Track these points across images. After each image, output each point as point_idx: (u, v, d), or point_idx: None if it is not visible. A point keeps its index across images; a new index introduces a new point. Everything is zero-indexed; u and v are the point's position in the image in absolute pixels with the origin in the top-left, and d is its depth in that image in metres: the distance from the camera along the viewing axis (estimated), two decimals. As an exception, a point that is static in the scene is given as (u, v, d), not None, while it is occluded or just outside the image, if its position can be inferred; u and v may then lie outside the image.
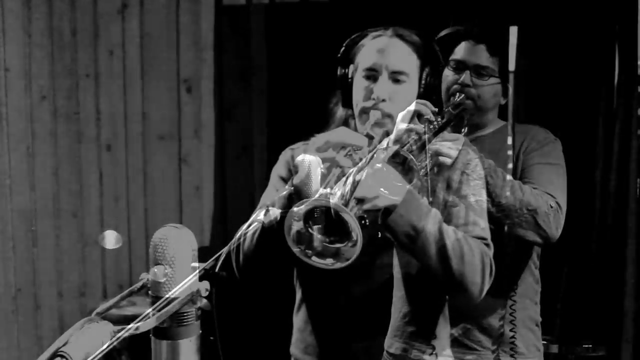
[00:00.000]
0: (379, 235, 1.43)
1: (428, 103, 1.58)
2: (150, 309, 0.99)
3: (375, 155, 1.40)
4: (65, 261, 3.72)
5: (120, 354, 0.96)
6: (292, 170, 1.63)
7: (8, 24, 3.67)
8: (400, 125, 1.50)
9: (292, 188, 1.42)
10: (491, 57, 2.04)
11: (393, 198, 1.36)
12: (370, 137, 1.49)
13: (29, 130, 3.70)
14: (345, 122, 1.69)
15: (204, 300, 1.03)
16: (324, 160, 1.39)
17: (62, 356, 0.88)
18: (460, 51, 2.07)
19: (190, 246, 1.03)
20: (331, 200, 1.23)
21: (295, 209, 1.23)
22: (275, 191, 1.61)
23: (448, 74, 2.05)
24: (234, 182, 3.47)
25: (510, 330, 1.91)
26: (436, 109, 1.60)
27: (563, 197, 1.94)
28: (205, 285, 1.03)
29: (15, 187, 3.73)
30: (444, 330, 1.63)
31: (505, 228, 1.88)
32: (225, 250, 1.10)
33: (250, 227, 1.39)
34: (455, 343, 1.78)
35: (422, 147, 1.50)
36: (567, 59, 2.78)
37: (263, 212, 1.32)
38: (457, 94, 2.01)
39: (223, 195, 3.48)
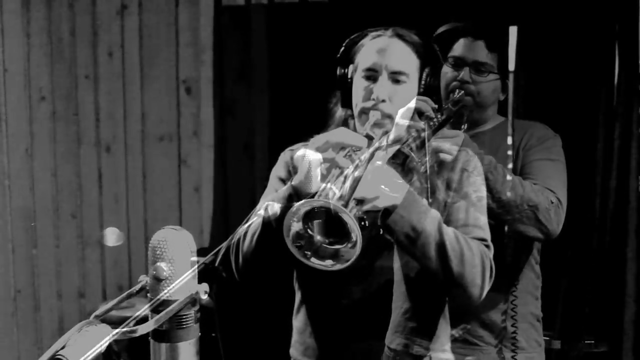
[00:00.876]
0: (381, 232, 1.42)
1: (429, 100, 1.58)
2: (144, 307, 0.99)
3: (374, 154, 1.40)
4: (65, 262, 3.72)
5: (119, 356, 0.95)
6: (292, 171, 1.63)
7: (7, 25, 3.67)
8: (400, 122, 1.50)
9: (292, 186, 1.42)
10: (490, 54, 2.04)
11: (394, 195, 1.36)
12: (369, 138, 1.48)
13: (28, 131, 3.69)
14: (345, 123, 1.69)
15: (206, 297, 1.03)
16: (323, 161, 1.38)
17: (60, 359, 0.88)
18: (458, 48, 2.07)
19: (189, 248, 1.03)
20: (331, 201, 1.22)
21: (294, 208, 1.23)
22: (274, 192, 1.60)
23: (447, 71, 2.05)
24: (234, 183, 3.46)
25: (512, 325, 1.92)
26: (436, 106, 1.60)
27: (563, 192, 1.94)
28: (205, 287, 1.02)
29: (14, 188, 3.73)
30: (444, 329, 1.63)
31: (506, 224, 1.88)
32: (224, 244, 1.09)
33: (251, 224, 1.39)
34: (457, 340, 1.78)
35: (422, 145, 1.49)
36: (567, 58, 2.78)
37: (263, 208, 1.31)
38: (457, 90, 2.01)
39: (223, 196, 3.47)
